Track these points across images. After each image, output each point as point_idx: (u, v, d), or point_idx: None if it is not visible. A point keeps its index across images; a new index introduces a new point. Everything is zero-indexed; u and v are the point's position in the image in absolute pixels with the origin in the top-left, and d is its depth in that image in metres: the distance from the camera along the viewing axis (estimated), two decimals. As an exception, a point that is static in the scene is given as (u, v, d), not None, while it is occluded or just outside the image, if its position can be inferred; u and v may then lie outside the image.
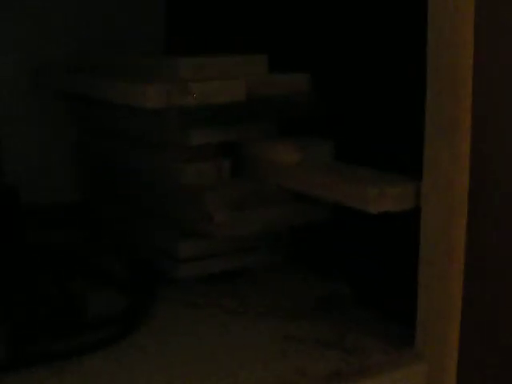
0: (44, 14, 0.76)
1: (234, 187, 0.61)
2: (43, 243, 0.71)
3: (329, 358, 0.50)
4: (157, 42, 0.81)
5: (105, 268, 0.67)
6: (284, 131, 0.65)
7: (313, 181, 0.55)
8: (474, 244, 0.46)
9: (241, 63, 0.61)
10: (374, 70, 0.57)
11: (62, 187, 0.80)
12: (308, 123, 0.64)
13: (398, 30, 0.54)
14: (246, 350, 0.52)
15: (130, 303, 0.58)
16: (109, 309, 0.58)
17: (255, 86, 0.60)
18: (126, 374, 0.48)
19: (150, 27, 0.81)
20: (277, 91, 0.62)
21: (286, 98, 0.61)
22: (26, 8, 0.75)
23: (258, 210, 0.61)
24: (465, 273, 0.48)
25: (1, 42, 0.74)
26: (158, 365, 0.50)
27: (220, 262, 0.64)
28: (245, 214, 0.61)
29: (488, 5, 0.45)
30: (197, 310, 0.59)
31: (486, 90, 0.46)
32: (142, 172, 0.68)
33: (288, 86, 0.62)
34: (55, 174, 0.79)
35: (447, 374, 0.50)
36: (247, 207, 0.61)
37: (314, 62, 0.63)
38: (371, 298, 0.58)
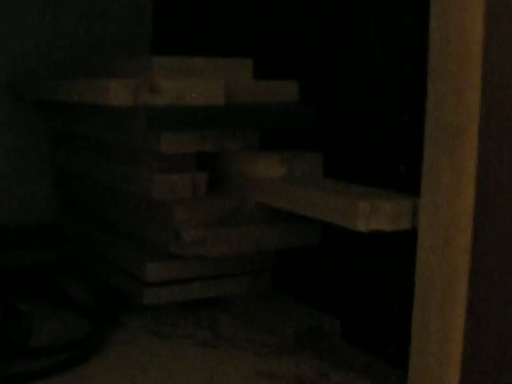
0: (30, 18, 0.73)
1: (208, 203, 0.57)
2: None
3: (308, 400, 0.48)
4: (144, 44, 0.80)
5: (68, 291, 0.63)
6: (268, 143, 0.62)
7: (296, 196, 0.50)
8: (480, 271, 0.41)
9: (223, 66, 0.58)
10: (367, 78, 0.53)
11: (35, 204, 0.76)
12: (295, 135, 0.60)
13: (393, 32, 0.51)
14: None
15: (88, 330, 0.54)
16: (63, 335, 0.54)
17: (238, 91, 0.57)
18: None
19: (138, 29, 0.79)
20: (262, 99, 0.59)
21: (272, 106, 0.57)
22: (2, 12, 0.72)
23: (235, 230, 0.56)
24: (468, 305, 0.44)
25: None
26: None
27: (194, 288, 0.60)
28: (219, 234, 0.55)
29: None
30: (163, 341, 0.56)
31: (497, 92, 0.41)
32: (110, 185, 0.64)
33: (274, 94, 0.59)
34: (28, 191, 0.76)
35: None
36: (223, 226, 0.55)
37: (304, 71, 0.60)
38: (360, 334, 0.55)
